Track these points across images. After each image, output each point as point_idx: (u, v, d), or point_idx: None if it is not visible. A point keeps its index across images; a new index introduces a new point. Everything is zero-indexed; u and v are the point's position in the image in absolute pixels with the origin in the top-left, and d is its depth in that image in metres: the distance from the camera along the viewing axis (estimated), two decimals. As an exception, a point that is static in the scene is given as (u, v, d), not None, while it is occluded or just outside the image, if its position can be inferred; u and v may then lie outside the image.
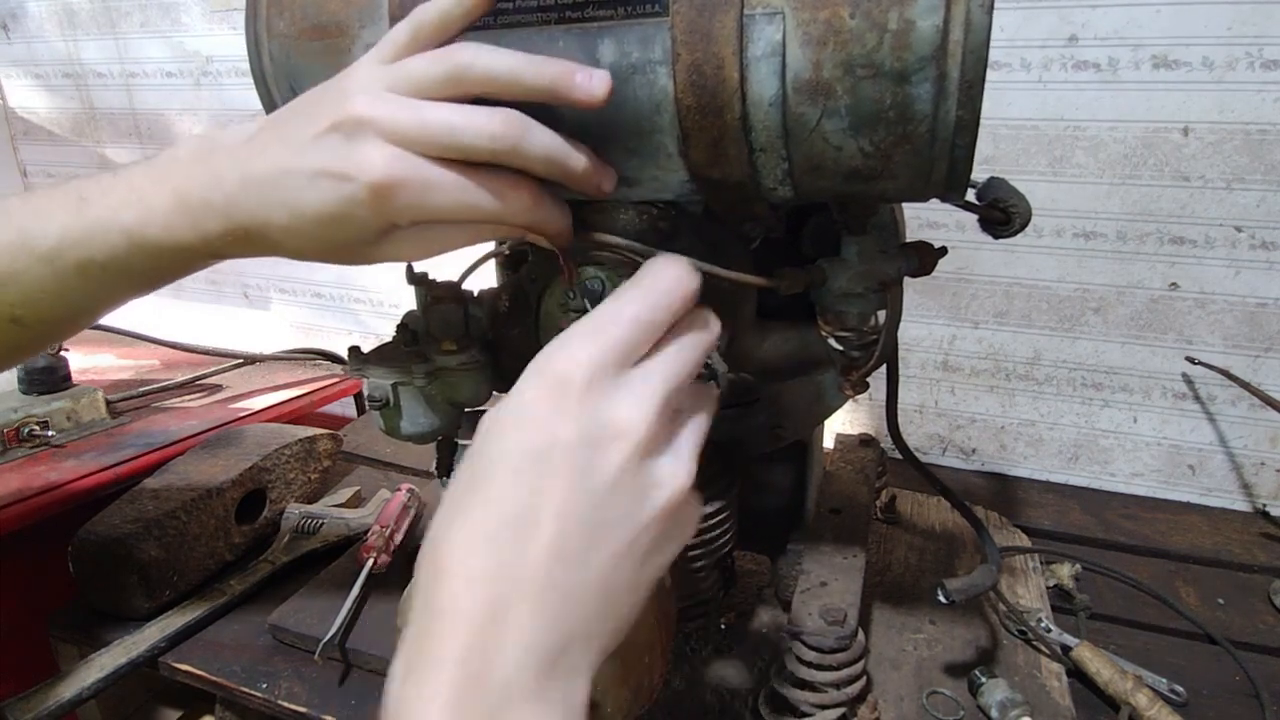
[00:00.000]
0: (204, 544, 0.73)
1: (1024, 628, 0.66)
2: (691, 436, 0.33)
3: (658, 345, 0.33)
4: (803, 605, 0.54)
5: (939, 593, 0.55)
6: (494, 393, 0.56)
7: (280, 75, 0.45)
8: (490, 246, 0.61)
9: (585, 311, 0.36)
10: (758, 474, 0.64)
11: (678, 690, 0.59)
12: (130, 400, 1.00)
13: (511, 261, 0.62)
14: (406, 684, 0.28)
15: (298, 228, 0.37)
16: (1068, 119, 0.85)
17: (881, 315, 0.49)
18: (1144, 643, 0.68)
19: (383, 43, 0.37)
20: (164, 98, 1.32)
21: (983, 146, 0.71)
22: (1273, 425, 0.88)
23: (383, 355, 0.54)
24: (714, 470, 0.56)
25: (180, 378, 1.07)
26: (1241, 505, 0.92)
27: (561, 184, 0.38)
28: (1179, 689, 0.60)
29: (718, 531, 0.58)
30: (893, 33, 0.33)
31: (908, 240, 0.49)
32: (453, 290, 0.54)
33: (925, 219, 0.92)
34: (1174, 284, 0.87)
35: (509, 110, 0.35)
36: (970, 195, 0.45)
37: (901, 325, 0.49)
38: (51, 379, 0.91)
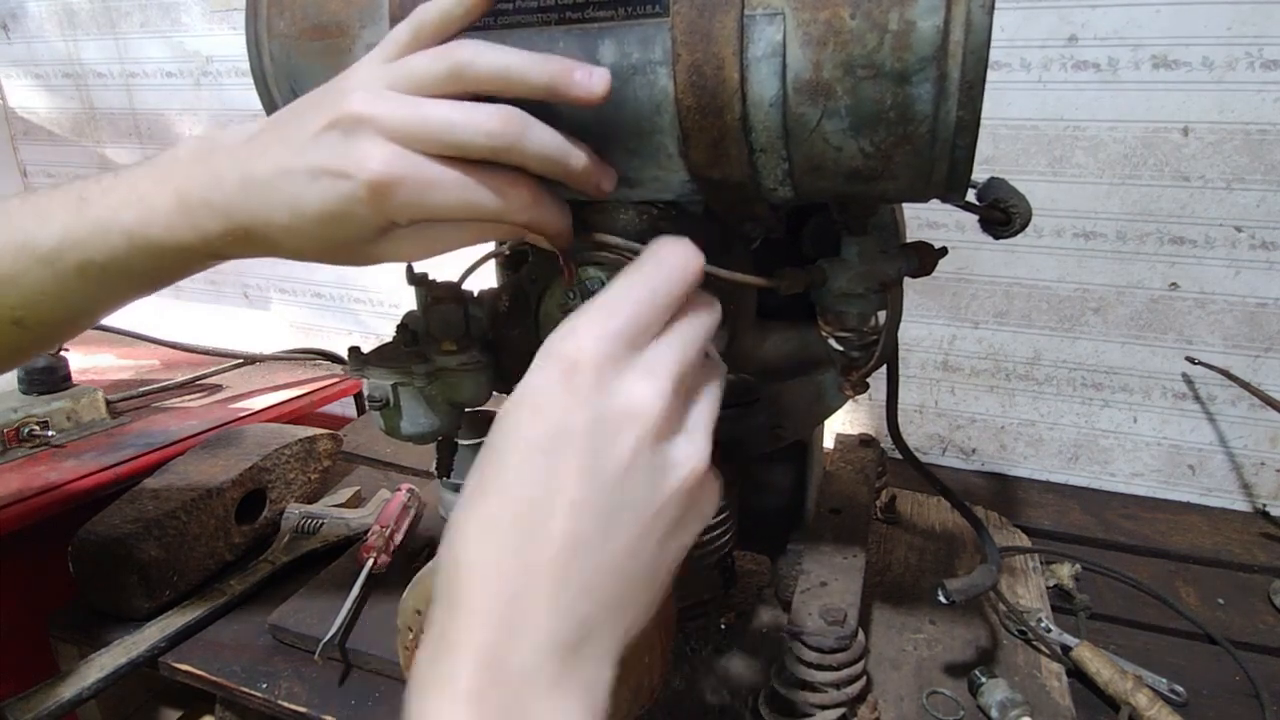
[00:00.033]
0: (204, 544, 0.73)
1: (1024, 628, 0.66)
2: (705, 415, 0.32)
3: (665, 326, 0.32)
4: (803, 605, 0.54)
5: (939, 593, 0.55)
6: (494, 393, 0.56)
7: (280, 75, 0.45)
8: (490, 247, 0.61)
9: None
10: (758, 474, 0.64)
11: (678, 690, 0.59)
12: (130, 400, 1.00)
13: (511, 262, 0.61)
14: (428, 675, 0.28)
15: (298, 227, 0.37)
16: (1068, 119, 0.85)
17: (882, 315, 0.49)
18: (1144, 643, 0.68)
19: (384, 43, 0.37)
20: (164, 98, 1.32)
21: (983, 147, 0.71)
22: (1273, 425, 0.88)
23: (383, 355, 0.54)
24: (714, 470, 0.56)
25: (180, 378, 1.07)
26: (1241, 505, 0.92)
27: (562, 183, 0.37)
28: (1179, 689, 0.60)
29: (718, 531, 0.58)
30: (893, 33, 0.33)
31: (908, 240, 0.49)
32: (453, 290, 0.54)
33: (925, 219, 0.92)
34: (1174, 284, 0.87)
35: (509, 107, 0.34)
36: (970, 195, 0.45)
37: (902, 325, 0.49)
38: (51, 379, 0.91)
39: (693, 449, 0.31)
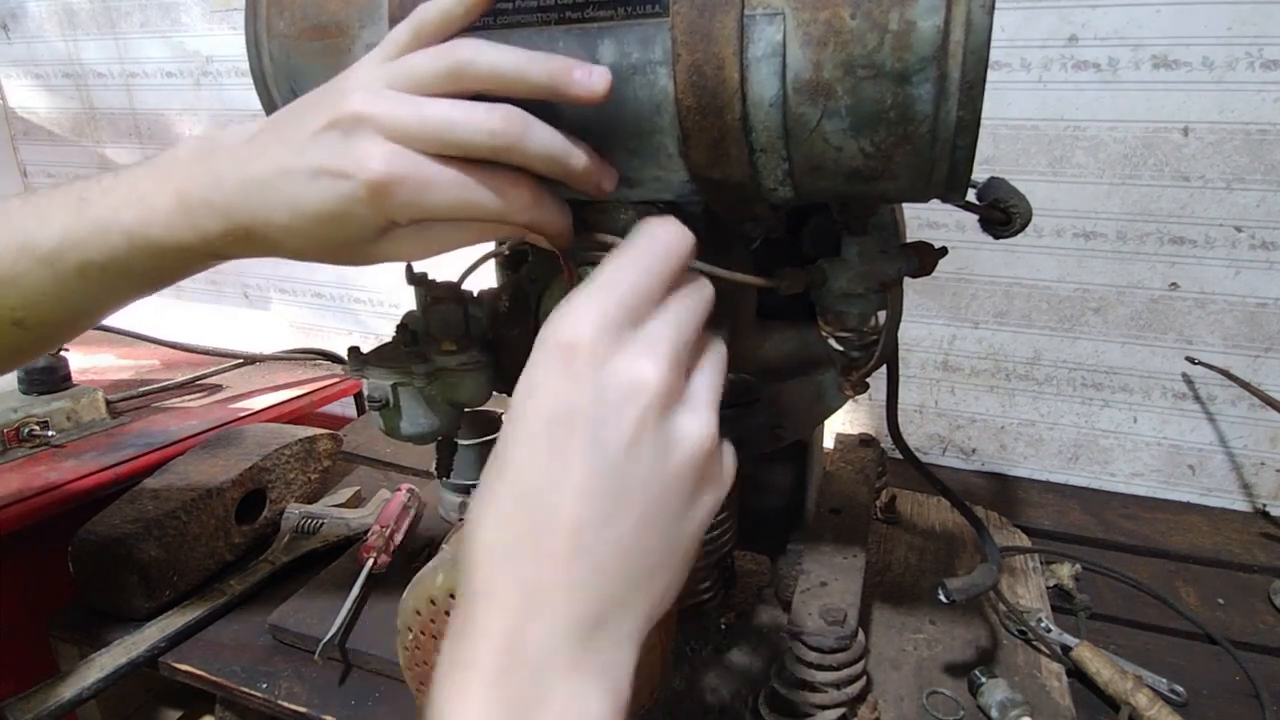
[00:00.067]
0: (204, 544, 0.73)
1: (1024, 628, 0.66)
2: (708, 388, 0.32)
3: (660, 303, 0.32)
4: (803, 605, 0.54)
5: (939, 592, 0.55)
6: (494, 393, 0.56)
7: (280, 75, 0.45)
8: (490, 246, 0.61)
9: None
10: (758, 474, 0.64)
11: (678, 690, 0.59)
12: (130, 400, 1.00)
13: (511, 261, 0.61)
14: (449, 661, 0.28)
15: (298, 227, 0.37)
16: (1068, 119, 0.85)
17: (882, 315, 0.49)
18: (1144, 643, 0.68)
19: (384, 43, 0.37)
20: (164, 98, 1.32)
21: (983, 146, 0.71)
22: (1273, 425, 0.88)
23: (383, 355, 0.54)
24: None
25: (180, 378, 1.07)
26: (1241, 505, 0.92)
27: (562, 183, 0.37)
28: (1179, 689, 0.60)
29: (718, 531, 0.58)
30: (893, 33, 0.33)
31: (908, 240, 0.49)
32: (453, 290, 0.54)
33: (925, 219, 0.92)
34: (1174, 284, 0.87)
35: (510, 107, 0.34)
36: (971, 195, 0.45)
37: (902, 325, 0.49)
38: (51, 379, 0.91)
39: (698, 421, 0.31)
